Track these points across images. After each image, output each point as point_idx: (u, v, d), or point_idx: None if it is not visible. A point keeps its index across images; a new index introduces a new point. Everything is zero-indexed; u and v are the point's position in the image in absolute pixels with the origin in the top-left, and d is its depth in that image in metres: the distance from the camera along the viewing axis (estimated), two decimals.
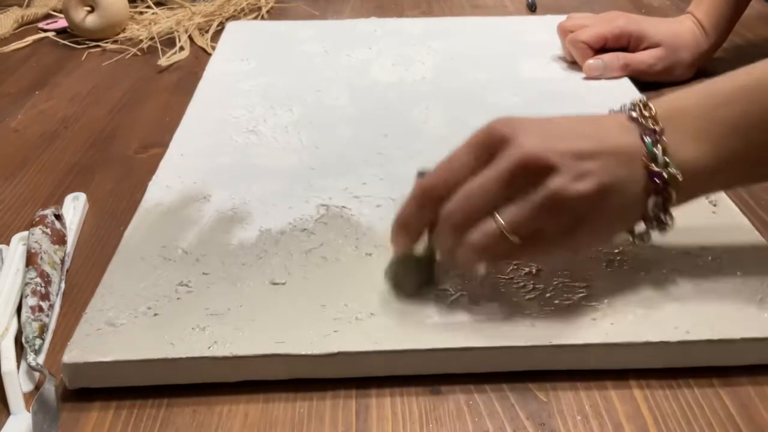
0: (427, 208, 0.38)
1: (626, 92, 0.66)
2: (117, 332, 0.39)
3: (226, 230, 0.47)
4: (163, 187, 0.52)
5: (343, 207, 0.50)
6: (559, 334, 0.38)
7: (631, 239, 0.40)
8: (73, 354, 0.37)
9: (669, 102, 0.39)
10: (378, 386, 0.38)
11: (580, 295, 0.41)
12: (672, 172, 0.37)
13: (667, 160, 0.37)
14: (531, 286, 0.42)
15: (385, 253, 0.44)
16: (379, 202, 0.50)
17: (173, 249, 0.45)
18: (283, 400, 0.37)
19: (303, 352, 0.37)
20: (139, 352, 0.37)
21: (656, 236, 0.40)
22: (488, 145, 0.37)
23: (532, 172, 0.36)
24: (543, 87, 0.68)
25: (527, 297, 0.41)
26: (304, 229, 0.47)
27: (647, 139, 0.37)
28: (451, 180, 0.38)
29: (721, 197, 0.49)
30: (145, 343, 0.38)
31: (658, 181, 0.37)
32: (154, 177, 0.54)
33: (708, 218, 0.47)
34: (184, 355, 0.37)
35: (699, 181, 0.38)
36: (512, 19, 0.89)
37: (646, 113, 0.38)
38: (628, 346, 0.38)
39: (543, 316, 0.39)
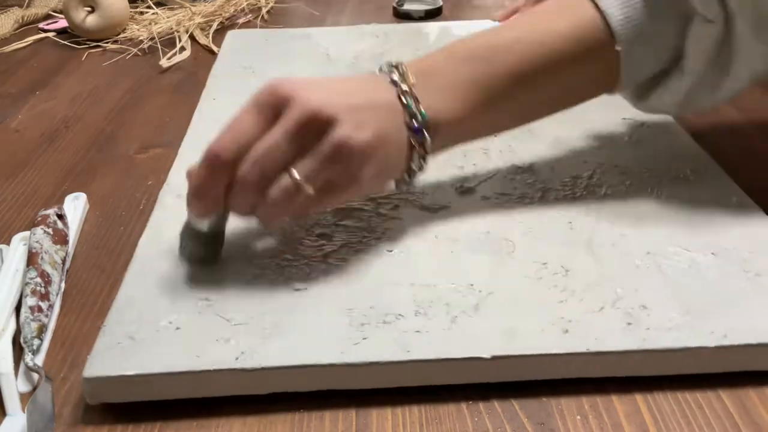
0: (219, 174, 0.39)
1: None
2: (138, 345, 0.38)
3: (243, 238, 0.46)
4: (174, 196, 0.51)
5: (361, 209, 0.49)
6: (595, 340, 0.37)
7: (400, 183, 0.44)
8: (94, 368, 0.36)
9: (420, 62, 0.44)
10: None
11: (612, 297, 0.40)
12: (424, 119, 0.41)
13: (421, 110, 0.41)
14: (562, 285, 0.41)
15: (405, 251, 0.44)
16: (396, 203, 0.50)
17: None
18: (283, 399, 0.37)
19: (335, 362, 0.36)
20: (164, 365, 0.36)
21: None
22: (272, 105, 0.40)
23: (317, 125, 0.39)
24: None
25: (558, 300, 0.40)
26: (323, 234, 0.47)
27: (403, 97, 0.41)
28: (240, 142, 0.39)
29: (745, 199, 0.49)
30: (169, 355, 0.37)
31: (415, 129, 0.42)
32: (164, 185, 0.53)
33: (731, 220, 0.46)
34: (210, 368, 0.36)
35: (452, 129, 0.43)
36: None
37: (401, 71, 0.42)
38: (666, 352, 0.37)
39: (575, 322, 0.38)
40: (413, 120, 0.41)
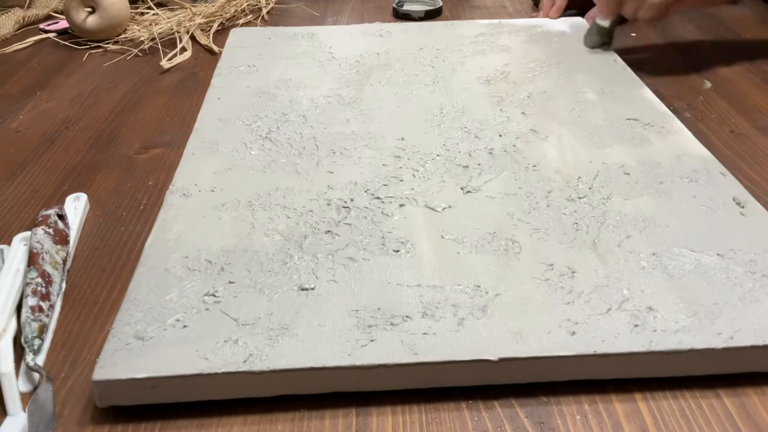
0: None
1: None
2: (147, 347, 0.38)
3: (248, 237, 0.46)
4: (179, 196, 0.51)
5: (366, 208, 0.49)
6: (602, 342, 0.37)
7: None
8: (103, 371, 0.36)
9: None
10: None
11: (619, 299, 0.40)
12: None
13: None
14: (569, 287, 0.41)
15: (411, 252, 0.44)
16: (402, 202, 0.50)
17: (196, 259, 0.44)
18: (284, 399, 0.37)
19: (343, 365, 0.36)
20: (173, 368, 0.36)
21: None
22: None
23: None
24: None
25: (565, 302, 0.40)
26: (328, 231, 0.47)
27: None
28: None
29: (749, 199, 0.49)
30: (177, 357, 0.37)
31: None
32: (170, 186, 0.53)
33: (736, 220, 0.47)
34: (219, 371, 0.36)
35: None
36: (517, 21, 0.89)
37: None
38: (674, 354, 0.37)
39: (582, 324, 0.38)
40: None
